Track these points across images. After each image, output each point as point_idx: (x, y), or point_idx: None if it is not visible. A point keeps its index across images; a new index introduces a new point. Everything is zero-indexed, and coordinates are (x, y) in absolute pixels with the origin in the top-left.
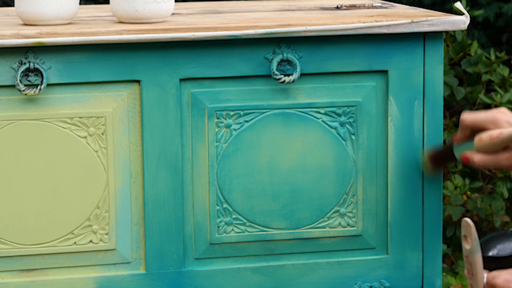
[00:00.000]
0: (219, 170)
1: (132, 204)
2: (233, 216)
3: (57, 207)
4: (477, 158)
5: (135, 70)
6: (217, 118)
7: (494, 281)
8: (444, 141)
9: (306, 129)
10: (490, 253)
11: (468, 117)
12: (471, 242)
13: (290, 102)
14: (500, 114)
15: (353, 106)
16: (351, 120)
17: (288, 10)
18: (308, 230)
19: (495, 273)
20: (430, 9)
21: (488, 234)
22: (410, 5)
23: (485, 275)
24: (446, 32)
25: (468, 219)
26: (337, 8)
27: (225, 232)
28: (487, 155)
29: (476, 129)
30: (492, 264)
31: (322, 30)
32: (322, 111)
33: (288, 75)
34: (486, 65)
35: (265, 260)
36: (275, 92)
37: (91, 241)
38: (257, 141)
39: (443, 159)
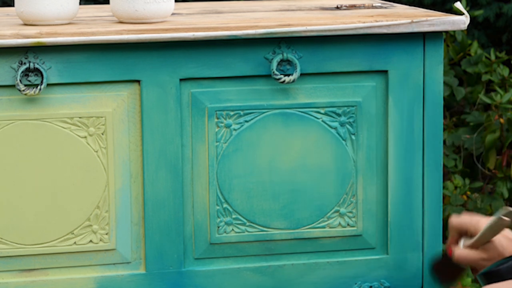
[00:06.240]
0: (219, 170)
1: (132, 204)
2: (233, 216)
3: (57, 207)
4: (459, 251)
5: (135, 70)
6: (217, 118)
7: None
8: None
9: (306, 129)
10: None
11: (455, 220)
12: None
13: (290, 102)
14: (484, 219)
15: (353, 106)
16: (351, 120)
17: (288, 10)
18: (308, 230)
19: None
20: (430, 9)
21: None
22: (410, 5)
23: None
24: (446, 32)
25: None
26: (337, 8)
27: (225, 232)
28: (470, 250)
29: (462, 232)
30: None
31: (322, 30)
32: (322, 111)
33: (288, 75)
34: (486, 65)
35: (265, 260)
36: (275, 92)
37: (91, 241)
38: (257, 141)
39: (448, 270)
